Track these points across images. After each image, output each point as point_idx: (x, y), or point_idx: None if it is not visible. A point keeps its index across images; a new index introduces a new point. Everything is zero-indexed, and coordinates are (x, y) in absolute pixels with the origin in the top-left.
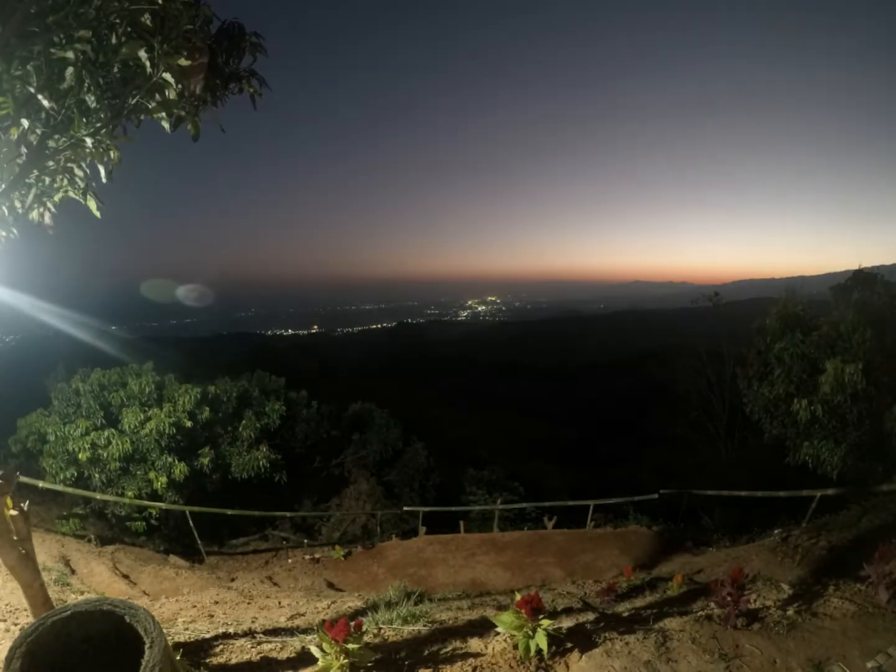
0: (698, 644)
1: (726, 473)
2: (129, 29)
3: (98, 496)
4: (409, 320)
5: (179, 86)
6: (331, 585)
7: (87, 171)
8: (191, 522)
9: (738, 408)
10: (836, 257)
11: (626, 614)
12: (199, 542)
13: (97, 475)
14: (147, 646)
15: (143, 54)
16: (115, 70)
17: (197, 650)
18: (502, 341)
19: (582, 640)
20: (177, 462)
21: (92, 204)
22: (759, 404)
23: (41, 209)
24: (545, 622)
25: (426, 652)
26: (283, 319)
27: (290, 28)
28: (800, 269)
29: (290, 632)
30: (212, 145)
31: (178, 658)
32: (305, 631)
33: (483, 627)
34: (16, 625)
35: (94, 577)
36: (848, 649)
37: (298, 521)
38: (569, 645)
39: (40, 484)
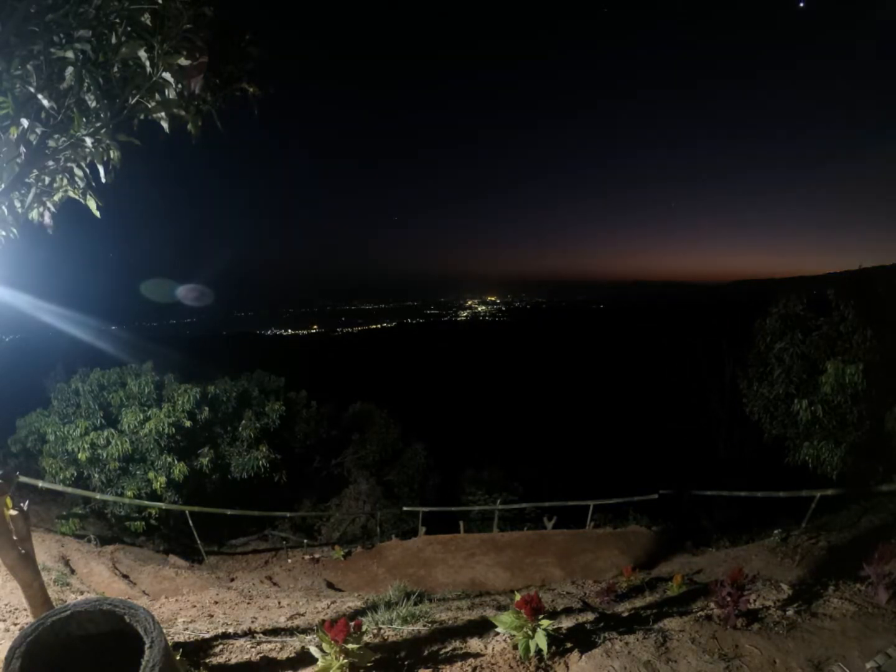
0: (698, 644)
1: (726, 473)
2: (128, 28)
3: (97, 496)
4: (409, 320)
5: (179, 85)
6: (330, 585)
7: (87, 170)
8: (190, 522)
9: (738, 408)
10: (836, 257)
11: (625, 614)
12: (198, 541)
13: (97, 475)
14: (147, 646)
15: (142, 54)
16: (115, 70)
17: (197, 650)
18: (502, 341)
19: (582, 640)
20: (176, 462)
21: (92, 204)
22: (759, 404)
23: (41, 209)
24: (545, 622)
25: (426, 652)
26: (284, 319)
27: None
28: (800, 269)
29: (290, 632)
30: (210, 145)
31: (177, 658)
32: (305, 631)
33: (483, 627)
34: (16, 625)
35: (93, 577)
36: (847, 649)
37: (298, 521)
38: (568, 645)
39: (40, 484)
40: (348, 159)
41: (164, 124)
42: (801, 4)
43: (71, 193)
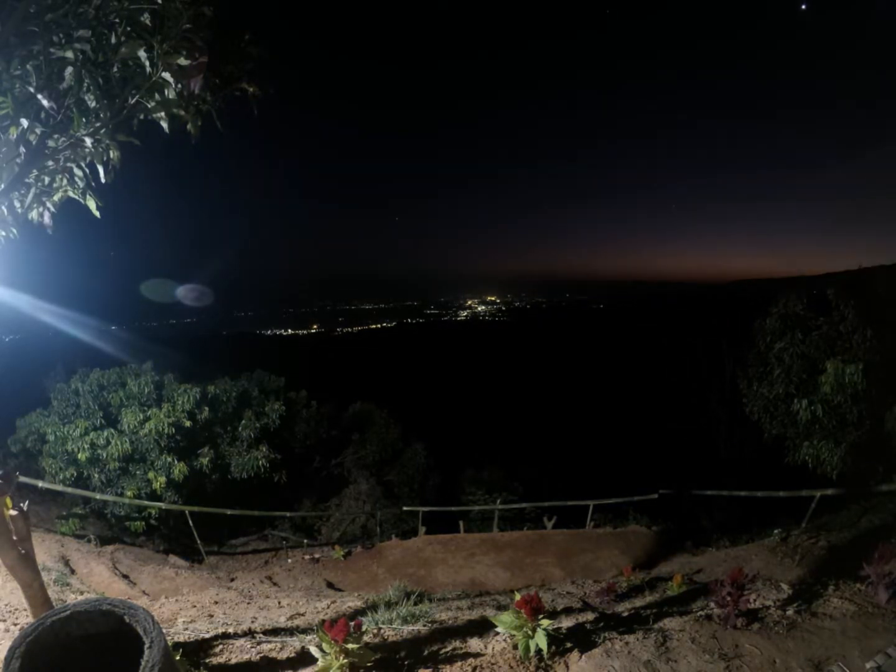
0: (698, 644)
1: (726, 473)
2: (128, 28)
3: (97, 496)
4: (409, 320)
5: (179, 85)
6: (330, 585)
7: (87, 170)
8: (190, 522)
9: (738, 408)
10: (836, 257)
11: (625, 614)
12: (198, 541)
13: (96, 475)
14: (146, 646)
15: (142, 54)
16: (115, 69)
17: (197, 650)
18: (502, 341)
19: (582, 639)
20: (176, 462)
21: (91, 204)
22: (759, 404)
23: (41, 209)
24: (545, 622)
25: (426, 652)
26: (283, 319)
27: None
28: (800, 269)
29: (290, 632)
30: (210, 144)
31: (177, 658)
32: (305, 631)
33: (483, 627)
34: (15, 625)
35: (93, 577)
36: (847, 649)
37: (298, 521)
38: (568, 645)
39: (40, 484)
40: (349, 159)
41: (164, 124)
42: (804, 6)
43: (71, 193)
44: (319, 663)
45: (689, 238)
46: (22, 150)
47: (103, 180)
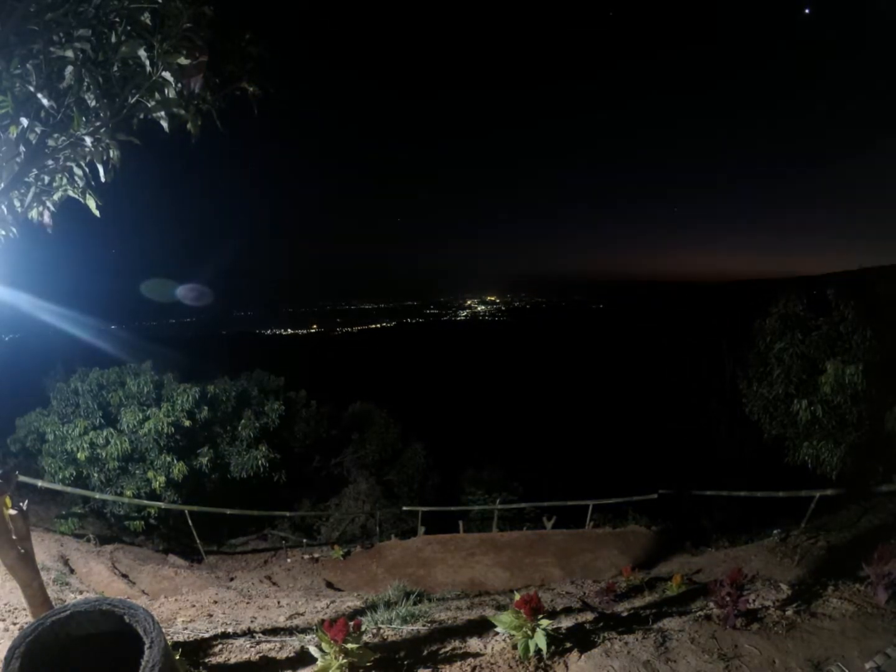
0: (697, 644)
1: (726, 473)
2: (128, 27)
3: (97, 495)
4: (409, 320)
5: (179, 85)
6: (330, 585)
7: (87, 169)
8: (190, 522)
9: (738, 408)
10: (836, 257)
11: (625, 614)
12: (197, 541)
13: (96, 474)
14: (146, 645)
15: (142, 53)
16: (115, 69)
17: (196, 650)
18: (502, 341)
19: (581, 639)
20: (175, 461)
21: (91, 203)
22: (759, 404)
23: (40, 208)
24: (544, 622)
25: (425, 652)
26: (283, 319)
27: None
28: (800, 269)
29: (290, 631)
30: (210, 144)
31: (177, 658)
32: (304, 631)
33: (482, 627)
34: (15, 624)
35: (93, 577)
36: (847, 649)
37: (297, 520)
38: (568, 645)
39: (39, 483)
40: (349, 161)
41: (164, 123)
42: (807, 11)
43: (70, 193)
44: (319, 663)
45: (689, 238)
46: (22, 149)
47: (103, 180)
